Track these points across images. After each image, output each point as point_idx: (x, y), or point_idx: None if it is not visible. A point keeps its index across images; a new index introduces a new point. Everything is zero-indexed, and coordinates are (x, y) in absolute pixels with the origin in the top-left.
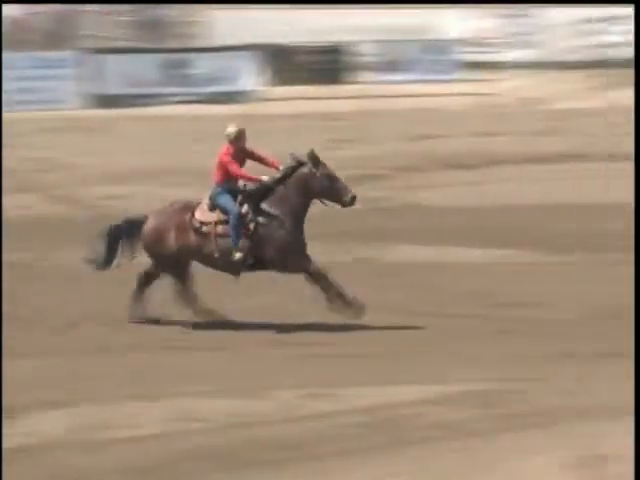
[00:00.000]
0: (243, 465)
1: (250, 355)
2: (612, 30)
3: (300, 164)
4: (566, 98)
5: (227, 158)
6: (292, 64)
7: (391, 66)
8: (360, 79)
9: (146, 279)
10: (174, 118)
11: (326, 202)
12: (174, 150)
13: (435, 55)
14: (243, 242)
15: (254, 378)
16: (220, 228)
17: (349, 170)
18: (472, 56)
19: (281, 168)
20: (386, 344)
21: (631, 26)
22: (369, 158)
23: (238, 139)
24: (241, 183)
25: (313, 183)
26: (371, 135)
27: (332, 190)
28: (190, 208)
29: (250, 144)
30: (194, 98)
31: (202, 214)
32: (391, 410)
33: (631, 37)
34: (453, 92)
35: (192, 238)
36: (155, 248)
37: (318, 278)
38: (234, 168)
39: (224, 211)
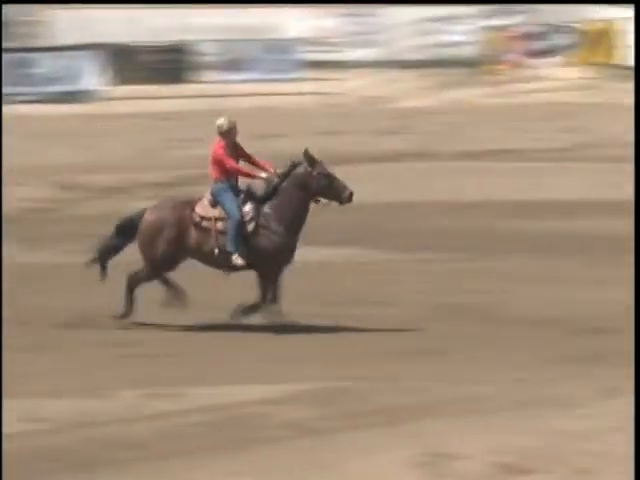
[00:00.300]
0: (87, 465)
1: (84, 355)
2: (454, 29)
3: (295, 165)
4: (408, 97)
5: (221, 153)
6: (134, 63)
7: (233, 65)
8: (202, 78)
9: (135, 282)
10: (18, 118)
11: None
12: (16, 149)
13: (277, 54)
14: (242, 248)
15: (93, 378)
16: (221, 224)
17: (190, 169)
18: (314, 55)
19: (277, 170)
20: (229, 343)
21: (472, 26)
22: None
23: (229, 131)
24: (242, 183)
25: (311, 182)
26: (213, 134)
27: (330, 188)
28: (190, 203)
29: (90, 143)
30: (36, 98)
31: (203, 209)
32: (235, 409)
33: (472, 37)
34: (295, 91)
35: (192, 234)
36: (151, 244)
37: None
38: (230, 163)
39: (225, 212)
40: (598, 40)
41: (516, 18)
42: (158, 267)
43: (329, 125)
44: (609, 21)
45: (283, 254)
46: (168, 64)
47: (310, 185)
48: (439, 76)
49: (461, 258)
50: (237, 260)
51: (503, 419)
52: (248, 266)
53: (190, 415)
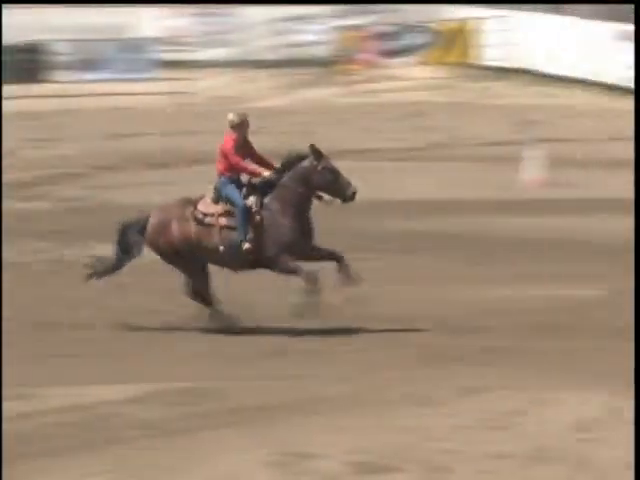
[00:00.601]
0: None
1: None
2: (307, 29)
3: (300, 158)
4: (262, 97)
5: (229, 147)
6: None
7: (88, 65)
8: (57, 78)
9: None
10: None
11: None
12: None
13: (131, 54)
14: (250, 234)
15: None
16: (224, 220)
17: (47, 169)
18: (169, 55)
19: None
20: (91, 344)
21: (326, 25)
22: (66, 157)
23: (241, 126)
24: (245, 176)
25: (315, 177)
26: (68, 134)
27: (334, 184)
28: (192, 202)
29: None
30: None
31: (205, 206)
32: (90, 410)
33: (326, 36)
34: (149, 91)
35: (193, 230)
36: (157, 242)
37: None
38: (235, 160)
39: (230, 202)
40: (452, 40)
41: (370, 18)
42: (173, 265)
43: (182, 125)
44: (463, 21)
45: (291, 248)
46: (23, 63)
47: (313, 180)
48: (293, 76)
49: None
50: (246, 246)
51: (360, 418)
52: (257, 265)
53: (44, 416)
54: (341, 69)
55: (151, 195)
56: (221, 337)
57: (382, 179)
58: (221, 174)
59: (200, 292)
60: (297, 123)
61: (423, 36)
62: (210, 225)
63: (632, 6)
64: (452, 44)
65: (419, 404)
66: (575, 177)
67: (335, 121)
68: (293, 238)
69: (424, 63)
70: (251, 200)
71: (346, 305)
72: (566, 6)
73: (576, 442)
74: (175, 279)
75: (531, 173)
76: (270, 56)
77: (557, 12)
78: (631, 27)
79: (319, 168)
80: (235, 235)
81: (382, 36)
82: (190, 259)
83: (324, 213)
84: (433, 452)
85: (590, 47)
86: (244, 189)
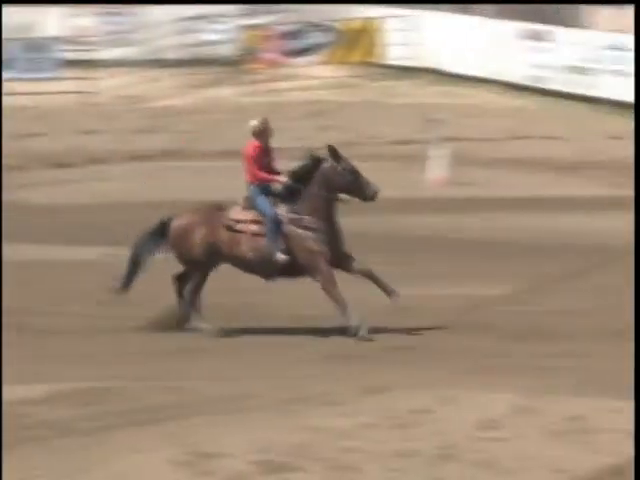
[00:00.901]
0: None
1: None
2: (212, 28)
3: (319, 160)
4: (166, 96)
5: (249, 157)
6: None
7: None
8: None
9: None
10: None
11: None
12: None
13: (35, 53)
14: (282, 244)
15: None
16: (255, 227)
17: None
18: (73, 54)
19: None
20: None
21: (230, 24)
22: None
23: (263, 132)
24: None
25: (337, 179)
26: None
27: (355, 184)
28: (222, 208)
29: None
30: None
31: (236, 212)
32: None
33: (230, 35)
34: (53, 90)
35: (223, 236)
36: (180, 245)
37: (369, 275)
38: (254, 171)
39: (260, 212)
40: (356, 39)
41: (274, 17)
42: (192, 269)
43: (86, 124)
44: (368, 20)
45: (325, 254)
46: None
47: (335, 181)
48: (197, 75)
49: None
50: (279, 257)
51: (265, 417)
52: (289, 273)
53: None
54: (245, 68)
55: (57, 195)
56: (126, 336)
57: None
58: (251, 183)
59: (192, 293)
60: (201, 122)
61: (327, 35)
62: (240, 232)
63: (539, 6)
64: (356, 43)
65: (324, 403)
66: (479, 176)
67: (238, 120)
68: (326, 244)
69: (328, 62)
70: (281, 209)
71: (244, 305)
72: (474, 6)
73: (481, 440)
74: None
75: (435, 172)
76: (174, 55)
77: (465, 12)
78: (536, 26)
79: (339, 169)
80: (265, 243)
81: (286, 35)
82: (209, 264)
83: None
84: (338, 451)
85: (495, 46)
86: (271, 199)
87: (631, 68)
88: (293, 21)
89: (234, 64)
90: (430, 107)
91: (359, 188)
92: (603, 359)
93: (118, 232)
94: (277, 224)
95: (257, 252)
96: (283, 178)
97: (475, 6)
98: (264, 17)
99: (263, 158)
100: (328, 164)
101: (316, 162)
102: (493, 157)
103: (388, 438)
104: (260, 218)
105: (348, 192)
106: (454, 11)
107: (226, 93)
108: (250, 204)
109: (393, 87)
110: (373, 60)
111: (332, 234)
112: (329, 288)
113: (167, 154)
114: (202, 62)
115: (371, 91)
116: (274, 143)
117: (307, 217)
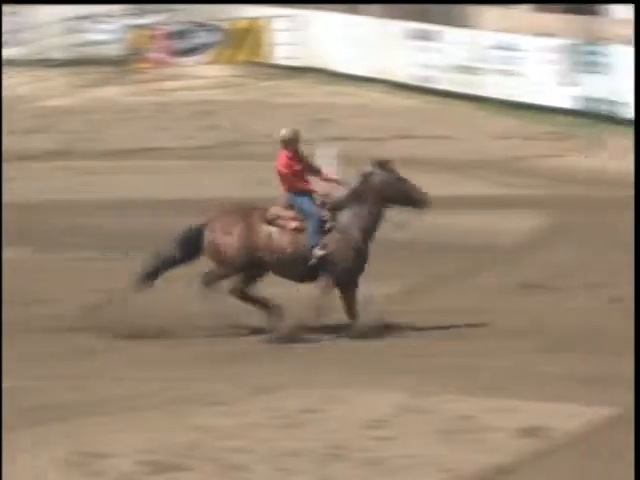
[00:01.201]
0: None
1: None
2: (98, 28)
3: (370, 173)
4: (53, 96)
5: (286, 171)
6: None
7: None
8: None
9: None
10: None
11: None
12: None
13: None
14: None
15: None
16: (295, 223)
17: None
18: None
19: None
20: None
21: (117, 24)
22: None
23: (293, 141)
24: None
25: (389, 190)
26: None
27: (407, 193)
28: (257, 208)
29: None
30: None
31: (277, 210)
32: None
33: (117, 35)
34: None
35: (261, 231)
36: (218, 249)
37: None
38: (300, 185)
39: (304, 213)
40: (243, 39)
41: (161, 16)
42: (230, 269)
43: None
44: (254, 20)
45: (359, 262)
46: None
47: (389, 193)
48: (84, 75)
49: (119, 257)
50: (317, 252)
51: (155, 417)
52: (314, 277)
53: None
54: (132, 68)
55: None
56: (22, 336)
57: (171, 178)
58: (288, 191)
59: (246, 293)
60: (88, 122)
61: (214, 35)
62: (280, 226)
63: (425, 5)
64: (243, 43)
65: (211, 403)
66: None
67: (125, 120)
68: (360, 253)
69: (214, 62)
70: (325, 214)
71: (145, 306)
72: (362, 6)
73: (369, 439)
74: None
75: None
76: (61, 55)
77: (353, 12)
78: (424, 25)
79: (391, 180)
80: (304, 238)
81: (172, 35)
82: (248, 265)
83: (104, 211)
84: (227, 450)
85: (382, 46)
86: (317, 202)
87: (518, 68)
88: (180, 21)
89: (121, 64)
90: (318, 107)
91: (411, 196)
92: (491, 358)
93: (12, 232)
94: (320, 223)
95: (296, 247)
96: (321, 187)
97: (362, 6)
98: (151, 17)
99: (296, 166)
100: (378, 175)
101: (367, 175)
102: (378, 157)
103: (277, 437)
104: (299, 216)
105: (400, 201)
106: (341, 11)
107: (112, 93)
108: (290, 204)
109: (280, 87)
110: (260, 60)
111: (368, 243)
112: (326, 293)
113: (54, 154)
114: (89, 62)
115: (258, 91)
116: (160, 143)
117: (351, 224)
